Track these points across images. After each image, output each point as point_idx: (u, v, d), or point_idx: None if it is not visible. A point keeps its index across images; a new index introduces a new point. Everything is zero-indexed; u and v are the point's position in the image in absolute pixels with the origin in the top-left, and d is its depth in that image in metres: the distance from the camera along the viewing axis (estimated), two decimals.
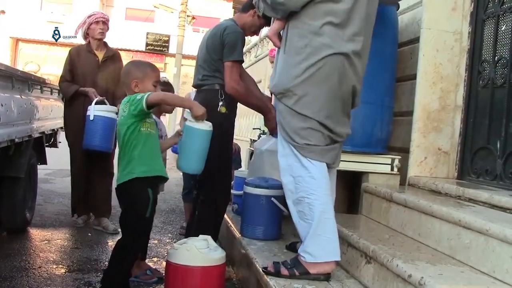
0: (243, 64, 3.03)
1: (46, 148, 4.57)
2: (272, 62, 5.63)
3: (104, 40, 4.30)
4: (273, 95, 2.94)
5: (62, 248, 3.62)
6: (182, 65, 18.10)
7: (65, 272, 3.08)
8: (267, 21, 2.87)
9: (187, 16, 18.32)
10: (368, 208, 3.10)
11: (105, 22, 4.25)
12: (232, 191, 3.56)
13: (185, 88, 18.07)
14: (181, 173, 4.02)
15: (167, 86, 3.46)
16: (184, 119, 2.84)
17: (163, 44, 23.68)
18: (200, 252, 2.39)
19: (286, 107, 2.31)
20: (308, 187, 2.25)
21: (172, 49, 21.34)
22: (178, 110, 2.75)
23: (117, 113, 3.21)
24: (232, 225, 3.47)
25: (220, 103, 2.86)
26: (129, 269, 2.62)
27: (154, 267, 3.14)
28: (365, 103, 2.72)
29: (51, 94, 4.58)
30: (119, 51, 4.62)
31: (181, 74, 17.96)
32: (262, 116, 3.05)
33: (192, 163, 2.66)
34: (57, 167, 6.82)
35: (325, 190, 2.28)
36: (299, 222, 2.31)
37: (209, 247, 2.45)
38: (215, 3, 24.54)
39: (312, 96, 2.25)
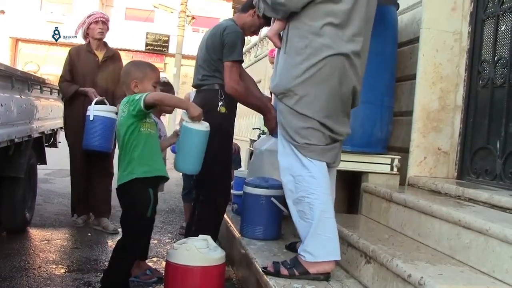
0: (242, 64, 3.03)
1: (46, 148, 4.57)
2: (272, 62, 5.64)
3: (104, 40, 4.30)
4: (273, 95, 2.94)
5: (61, 248, 3.62)
6: (181, 65, 18.09)
7: (64, 272, 3.08)
8: (266, 21, 2.87)
9: (187, 16, 18.31)
10: (367, 208, 3.10)
11: (105, 22, 4.25)
12: (232, 191, 3.56)
13: (184, 88, 18.07)
14: (181, 173, 4.02)
15: (167, 87, 3.46)
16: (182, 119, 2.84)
17: (163, 44, 23.68)
18: (200, 252, 2.39)
19: (286, 107, 2.31)
20: (308, 186, 2.26)
21: (172, 49, 21.34)
22: (178, 111, 2.76)
23: (116, 113, 3.21)
24: (232, 225, 3.47)
25: (220, 103, 2.86)
26: (129, 269, 2.62)
27: (153, 267, 3.14)
28: (365, 103, 2.72)
29: (51, 94, 4.58)
30: (118, 51, 4.62)
31: (181, 74, 17.94)
32: (262, 116, 3.05)
33: (189, 163, 2.66)
34: (57, 167, 6.83)
35: (325, 189, 2.28)
36: (299, 222, 2.31)
37: (209, 247, 2.45)
38: (215, 3, 24.54)
39: (313, 96, 2.25)
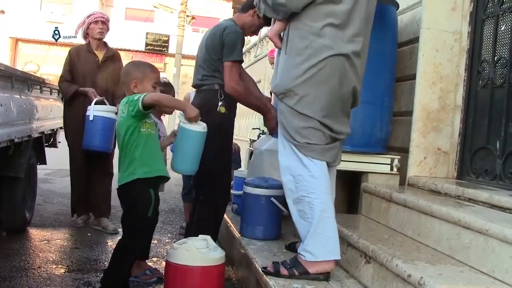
0: (242, 64, 3.02)
1: (46, 148, 4.57)
2: (271, 63, 5.64)
3: (104, 40, 4.30)
4: (273, 95, 2.94)
5: (61, 248, 3.62)
6: (181, 65, 18.09)
7: (64, 272, 3.08)
8: (266, 21, 2.87)
9: (187, 16, 18.32)
10: (367, 208, 3.10)
11: (105, 22, 4.24)
12: (232, 191, 3.56)
13: (184, 88, 18.07)
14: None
15: (167, 87, 3.46)
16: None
17: (163, 44, 23.68)
18: (200, 252, 2.39)
19: (287, 107, 2.32)
20: (308, 186, 2.26)
21: (172, 49, 21.34)
22: (178, 111, 2.76)
23: (116, 113, 3.21)
24: (232, 225, 3.47)
25: (220, 103, 2.86)
26: (129, 269, 2.62)
27: (153, 267, 3.14)
28: (364, 103, 2.72)
29: (51, 94, 4.58)
30: (118, 51, 4.62)
31: (180, 74, 17.94)
32: (262, 116, 3.05)
33: (186, 164, 2.67)
34: (57, 167, 6.83)
35: (325, 189, 2.29)
36: (299, 221, 2.31)
37: (209, 247, 2.45)
38: (215, 3, 24.54)
39: (313, 96, 2.26)
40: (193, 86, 3.10)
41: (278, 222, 3.12)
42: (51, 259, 3.32)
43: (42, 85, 4.20)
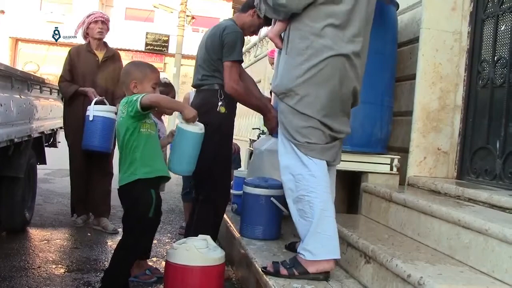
0: (242, 64, 3.02)
1: (46, 148, 4.57)
2: (271, 63, 5.64)
3: (104, 40, 4.30)
4: (273, 95, 2.94)
5: (61, 248, 3.62)
6: (181, 65, 18.12)
7: (64, 272, 3.08)
8: (266, 21, 2.87)
9: (187, 16, 18.34)
10: (367, 208, 3.10)
11: (104, 22, 4.24)
12: (232, 191, 3.56)
13: (184, 88, 18.08)
14: None
15: (168, 87, 3.46)
16: None
17: (163, 44, 23.69)
18: (200, 252, 2.39)
19: (287, 106, 2.32)
20: (308, 185, 2.26)
21: (172, 49, 21.35)
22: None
23: (116, 113, 3.22)
24: (232, 225, 3.47)
25: (220, 103, 2.86)
26: (129, 269, 2.62)
27: (154, 266, 3.13)
28: (364, 103, 2.72)
29: (51, 94, 4.58)
30: (118, 51, 4.62)
31: (180, 74, 17.97)
32: (262, 116, 3.05)
33: (183, 164, 2.67)
34: (57, 167, 6.82)
35: (325, 188, 2.29)
36: (299, 221, 2.31)
37: (209, 247, 2.45)
38: (215, 3, 24.55)
39: (313, 96, 2.27)
40: (193, 86, 3.10)
41: (278, 222, 3.11)
42: (51, 259, 3.32)
43: (42, 85, 4.20)
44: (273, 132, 2.94)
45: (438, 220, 2.32)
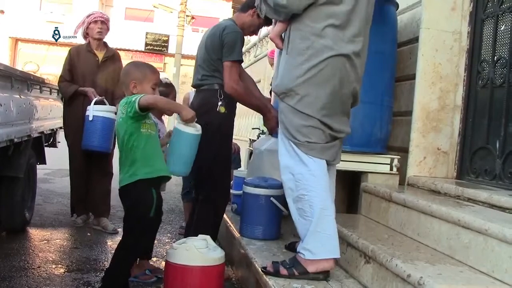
0: (242, 64, 3.02)
1: (45, 148, 4.56)
2: (271, 64, 5.64)
3: (104, 40, 4.29)
4: (273, 95, 2.94)
5: (61, 248, 3.62)
6: (181, 65, 18.13)
7: (64, 272, 3.08)
8: (266, 21, 2.87)
9: (187, 16, 18.34)
10: (367, 208, 3.10)
11: (104, 22, 4.24)
12: (232, 191, 3.56)
13: (184, 88, 18.08)
14: None
15: (169, 88, 3.46)
16: None
17: (163, 44, 23.69)
18: (199, 252, 2.39)
19: (288, 106, 2.33)
20: (308, 184, 2.26)
21: (172, 49, 21.36)
22: None
23: (116, 113, 3.22)
24: (232, 225, 3.47)
25: (220, 103, 2.86)
26: (129, 269, 2.62)
27: (156, 266, 3.13)
28: (364, 102, 2.72)
29: (50, 94, 4.58)
30: (118, 51, 4.62)
31: (180, 74, 17.98)
32: (261, 116, 3.05)
33: (179, 165, 2.66)
34: (56, 167, 6.82)
35: (324, 187, 2.29)
36: (298, 220, 2.31)
37: (208, 247, 2.45)
38: (215, 3, 24.54)
39: (314, 96, 2.27)
40: (193, 86, 3.10)
41: (278, 222, 3.11)
42: (50, 259, 3.32)
43: (42, 85, 4.19)
44: (272, 132, 2.94)
45: (438, 220, 2.32)
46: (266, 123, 2.98)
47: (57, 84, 4.37)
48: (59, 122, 4.57)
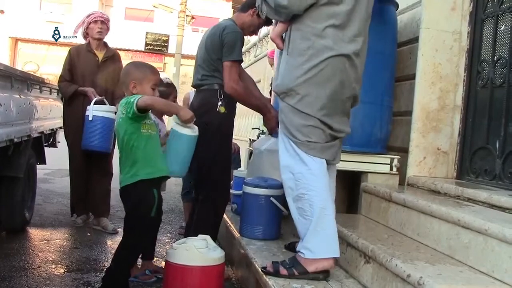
0: (242, 64, 3.02)
1: (45, 148, 4.57)
2: (271, 64, 5.64)
3: (104, 40, 4.29)
4: (273, 94, 2.94)
5: (61, 248, 3.62)
6: (181, 64, 18.12)
7: (64, 272, 3.08)
8: (266, 21, 2.87)
9: (187, 16, 18.34)
10: (367, 208, 3.10)
11: (104, 22, 4.24)
12: (231, 191, 3.56)
13: (184, 87, 18.07)
14: None
15: (170, 87, 3.46)
16: None
17: (163, 44, 23.69)
18: (199, 251, 2.39)
19: (288, 105, 2.33)
20: (308, 183, 2.27)
21: (172, 49, 21.36)
22: None
23: (116, 113, 3.22)
24: (231, 225, 3.47)
25: (219, 103, 2.86)
26: (129, 269, 2.62)
27: (158, 266, 3.14)
28: (364, 102, 2.72)
29: (50, 94, 4.58)
30: (118, 51, 4.62)
31: (180, 74, 17.97)
32: (261, 116, 3.05)
33: (175, 166, 2.67)
34: (56, 167, 6.82)
35: (324, 186, 2.30)
36: (298, 219, 2.31)
37: (208, 246, 2.45)
38: (214, 3, 24.55)
39: (314, 96, 2.28)
40: (193, 86, 3.10)
41: (278, 222, 3.11)
42: (50, 259, 3.32)
43: (42, 85, 4.20)
44: (272, 132, 2.94)
45: (438, 220, 2.32)
46: (266, 123, 2.98)
47: (57, 84, 4.37)
48: (59, 122, 4.57)
